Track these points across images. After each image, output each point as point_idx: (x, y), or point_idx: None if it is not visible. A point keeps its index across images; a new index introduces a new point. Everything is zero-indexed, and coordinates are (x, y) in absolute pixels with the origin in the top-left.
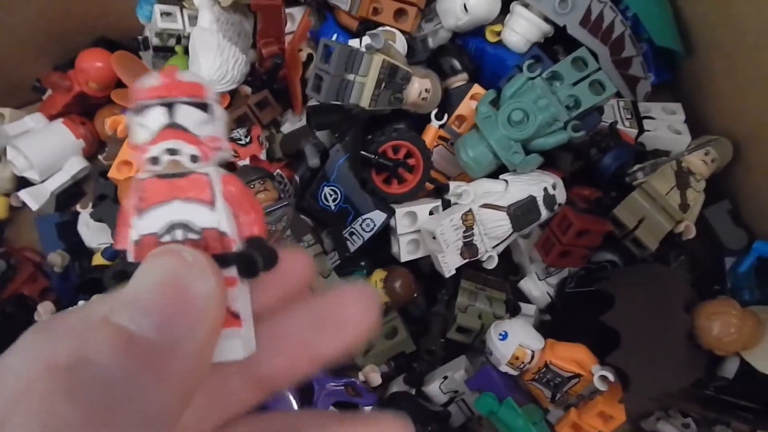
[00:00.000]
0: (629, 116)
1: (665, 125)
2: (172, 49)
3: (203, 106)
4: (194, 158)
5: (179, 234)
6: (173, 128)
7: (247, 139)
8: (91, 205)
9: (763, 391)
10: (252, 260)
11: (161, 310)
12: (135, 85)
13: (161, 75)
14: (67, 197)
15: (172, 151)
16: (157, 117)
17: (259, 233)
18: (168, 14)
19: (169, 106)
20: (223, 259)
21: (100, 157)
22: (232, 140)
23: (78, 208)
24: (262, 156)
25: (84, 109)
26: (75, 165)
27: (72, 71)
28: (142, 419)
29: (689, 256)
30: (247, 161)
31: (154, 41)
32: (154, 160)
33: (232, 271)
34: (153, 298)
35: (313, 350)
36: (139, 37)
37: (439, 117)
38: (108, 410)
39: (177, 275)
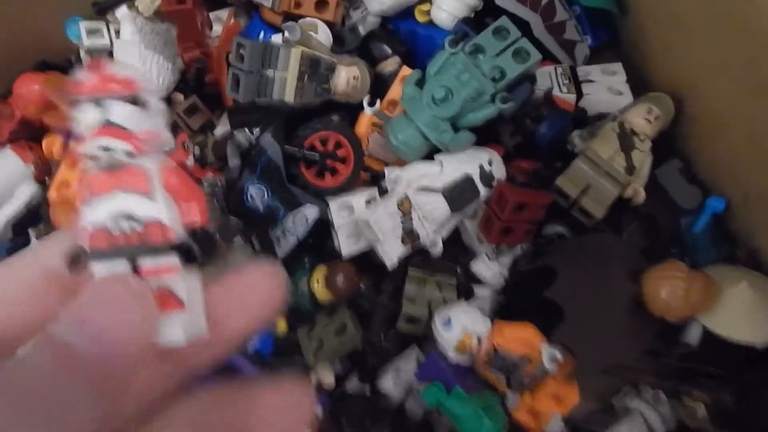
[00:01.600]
0: (566, 81)
1: (605, 87)
2: None
3: (135, 101)
4: (129, 153)
5: (125, 225)
6: (106, 125)
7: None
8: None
9: (729, 356)
10: (189, 251)
11: (97, 326)
12: (71, 82)
13: (92, 70)
14: (23, 223)
15: (106, 149)
16: (90, 114)
17: (200, 221)
18: (95, 31)
19: (101, 102)
20: (162, 250)
21: (47, 179)
22: None
23: (30, 231)
24: (189, 161)
25: (32, 134)
26: (26, 191)
27: (12, 98)
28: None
29: (644, 221)
30: None
31: (86, 59)
32: (93, 157)
33: (173, 259)
34: (92, 315)
35: (222, 329)
36: (72, 57)
37: (371, 103)
38: (29, 414)
39: (118, 300)
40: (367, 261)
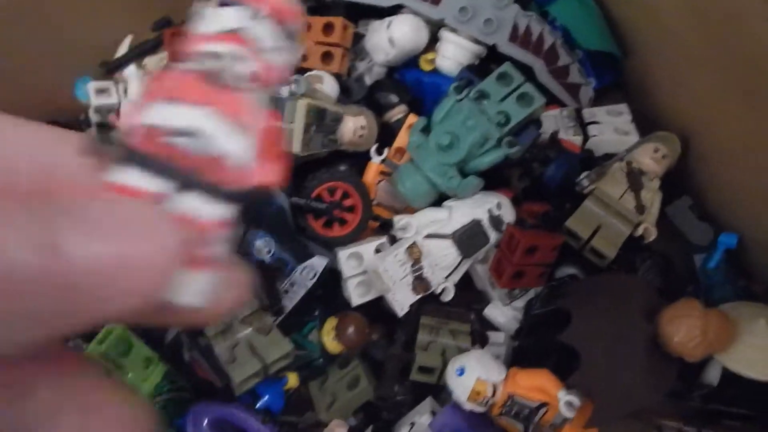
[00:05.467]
0: (572, 124)
1: (611, 128)
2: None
3: (288, 33)
4: (254, 76)
5: (189, 142)
6: (248, 36)
7: None
8: None
9: (753, 394)
10: (244, 210)
11: (105, 245)
12: None
13: None
14: None
15: (235, 57)
16: (238, 16)
17: (274, 185)
18: (103, 90)
19: (256, 15)
20: (212, 193)
21: None
22: None
23: None
24: None
25: None
26: None
27: None
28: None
29: (657, 260)
30: None
31: (95, 118)
32: (214, 55)
33: (222, 212)
34: (106, 229)
35: None
36: (81, 117)
37: (379, 152)
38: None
39: (145, 226)
40: (378, 311)
